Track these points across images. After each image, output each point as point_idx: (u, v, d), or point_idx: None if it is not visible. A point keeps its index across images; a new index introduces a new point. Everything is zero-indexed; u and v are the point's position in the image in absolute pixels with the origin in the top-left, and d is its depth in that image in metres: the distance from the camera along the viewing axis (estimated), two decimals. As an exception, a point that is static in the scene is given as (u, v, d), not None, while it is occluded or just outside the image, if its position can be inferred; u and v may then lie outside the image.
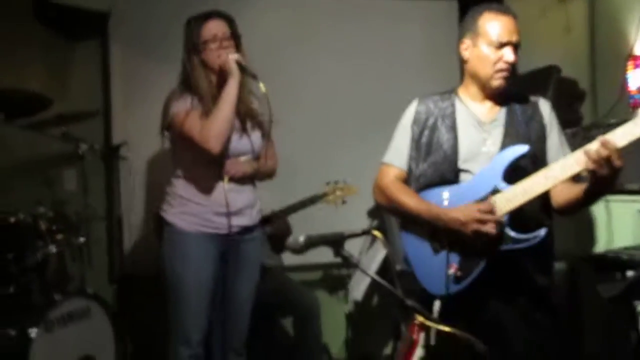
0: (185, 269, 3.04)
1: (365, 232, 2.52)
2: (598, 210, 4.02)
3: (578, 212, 2.57)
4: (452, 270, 2.49)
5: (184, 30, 3.22)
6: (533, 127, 2.56)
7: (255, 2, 4.74)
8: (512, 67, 2.51)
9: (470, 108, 2.62)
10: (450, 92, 2.71)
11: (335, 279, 4.63)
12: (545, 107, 2.63)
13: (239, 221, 3.12)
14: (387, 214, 4.17)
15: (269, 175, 3.37)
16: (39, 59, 4.44)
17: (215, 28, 3.12)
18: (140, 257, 4.39)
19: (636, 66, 4.72)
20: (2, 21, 4.31)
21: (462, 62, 2.66)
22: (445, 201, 2.54)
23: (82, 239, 3.89)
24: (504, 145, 2.51)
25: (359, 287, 4.12)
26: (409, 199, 2.62)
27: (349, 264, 2.22)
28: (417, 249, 2.64)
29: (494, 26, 2.51)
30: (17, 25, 4.32)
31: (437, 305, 2.43)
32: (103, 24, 4.42)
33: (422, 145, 2.64)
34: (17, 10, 4.28)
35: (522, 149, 2.44)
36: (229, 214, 3.06)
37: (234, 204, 3.09)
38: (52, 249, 3.70)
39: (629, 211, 3.96)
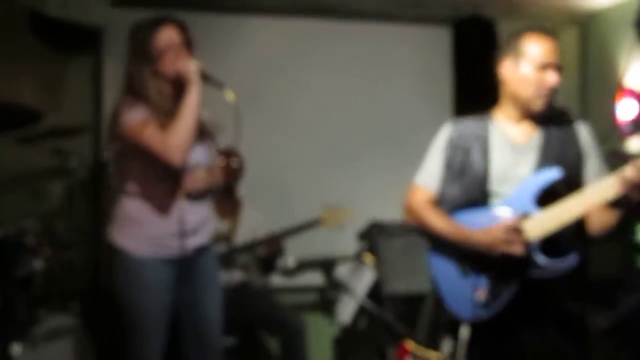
0: (142, 299, 2.83)
1: (356, 257, 2.52)
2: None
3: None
4: (480, 295, 2.45)
5: (130, 36, 2.86)
6: (570, 151, 2.49)
7: (248, 22, 4.77)
8: (554, 90, 2.46)
9: (505, 130, 2.58)
10: (486, 114, 2.67)
11: (322, 301, 4.59)
12: (584, 130, 2.55)
13: (194, 241, 2.89)
14: (380, 237, 4.18)
15: (217, 188, 3.11)
16: (32, 71, 4.44)
17: (170, 36, 2.82)
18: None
19: (626, 97, 4.77)
20: (-3, 33, 4.31)
21: (501, 83, 2.61)
22: (474, 224, 2.48)
23: (68, 255, 3.85)
24: (538, 168, 2.46)
25: (346, 310, 4.09)
26: (437, 220, 2.58)
27: (338, 287, 2.21)
28: (445, 271, 2.60)
29: (536, 47, 2.47)
30: (12, 37, 4.32)
31: (463, 330, 2.39)
32: (98, 39, 4.43)
33: (454, 168, 2.60)
34: (13, 22, 4.28)
35: (554, 173, 2.40)
36: (184, 234, 2.82)
37: (190, 223, 2.85)
38: (38, 263, 3.65)
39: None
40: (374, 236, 4.25)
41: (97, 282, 4.47)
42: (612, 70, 4.99)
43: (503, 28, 5.12)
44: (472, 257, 2.48)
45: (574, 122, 2.56)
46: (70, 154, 3.94)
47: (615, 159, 2.59)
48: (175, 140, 2.68)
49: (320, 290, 4.72)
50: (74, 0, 3.96)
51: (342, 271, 3.92)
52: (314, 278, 4.76)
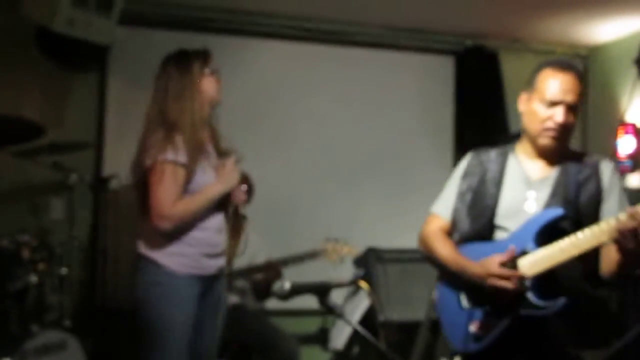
0: (176, 314, 2.84)
1: (352, 283, 2.52)
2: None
3: (624, 279, 2.51)
4: (473, 328, 2.44)
5: (178, 64, 2.96)
6: (587, 189, 2.45)
7: (252, 44, 4.80)
8: (565, 128, 2.42)
9: (523, 165, 2.55)
10: (509, 146, 2.64)
11: (316, 326, 4.57)
12: (607, 169, 2.50)
13: (220, 262, 2.99)
14: (377, 264, 4.17)
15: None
16: (36, 86, 4.46)
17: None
18: (122, 292, 4.34)
19: (627, 132, 4.79)
20: (3, 48, 4.34)
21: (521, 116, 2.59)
22: (476, 256, 2.47)
23: (64, 270, 3.84)
24: (548, 205, 2.43)
25: (340, 335, 4.08)
26: (443, 249, 2.58)
27: (333, 313, 2.21)
28: (447, 301, 2.59)
29: (550, 83, 2.44)
30: (18, 52, 4.35)
31: None
32: (103, 56, 4.46)
33: (468, 199, 2.59)
34: (19, 37, 4.31)
35: (556, 212, 2.38)
36: (217, 255, 2.94)
37: (221, 245, 2.98)
38: (33, 278, 3.64)
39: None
40: (370, 262, 4.24)
41: (92, 298, 4.45)
42: (613, 105, 5.02)
43: (506, 60, 5.16)
44: (471, 289, 2.47)
45: (597, 161, 2.51)
46: (71, 170, 3.94)
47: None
48: (177, 214, 2.76)
49: (314, 315, 4.72)
50: (81, 17, 3.98)
51: (337, 297, 3.91)
52: (309, 303, 4.77)
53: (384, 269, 4.25)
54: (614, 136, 4.86)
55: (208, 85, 2.89)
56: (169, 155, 2.79)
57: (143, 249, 2.89)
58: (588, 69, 5.39)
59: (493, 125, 4.99)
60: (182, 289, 2.84)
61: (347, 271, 4.35)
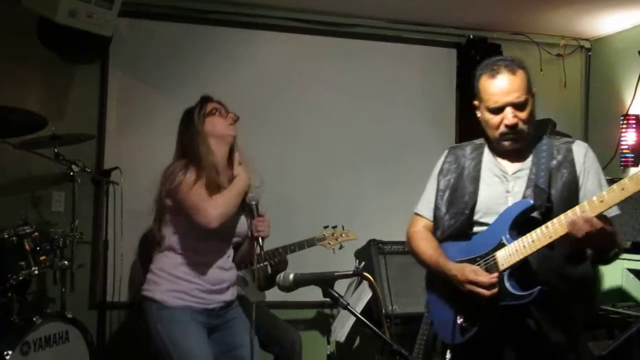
0: (187, 338, 2.91)
1: (356, 274, 2.51)
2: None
3: (606, 263, 2.49)
4: (460, 321, 2.47)
5: (183, 119, 3.09)
6: (561, 175, 2.45)
7: (256, 36, 4.78)
8: (520, 126, 2.42)
9: (497, 159, 2.56)
10: (483, 141, 2.65)
11: (318, 319, 4.59)
12: (579, 152, 2.49)
13: (226, 296, 3.06)
14: (378, 256, 4.17)
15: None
16: (38, 78, 4.45)
17: (214, 105, 3.10)
18: (123, 284, 4.34)
19: (629, 125, 4.77)
20: (5, 39, 4.33)
21: None
22: (457, 254, 2.50)
23: (65, 262, 3.84)
24: (525, 197, 2.44)
25: (342, 328, 4.08)
26: (425, 249, 2.61)
27: (336, 304, 2.20)
28: (436, 297, 2.63)
29: (488, 91, 2.45)
30: (19, 44, 4.33)
31: (448, 354, 2.42)
32: (104, 48, 4.44)
33: (446, 195, 2.61)
34: (21, 29, 4.29)
35: (525, 204, 2.40)
36: (220, 291, 3.01)
37: (227, 281, 3.05)
38: (35, 270, 3.64)
39: (617, 269, 3.96)
40: (371, 254, 4.24)
41: (93, 289, 4.45)
42: (616, 98, 5.00)
43: (509, 52, 5.14)
44: (455, 286, 2.47)
45: (570, 145, 2.51)
46: (73, 162, 3.93)
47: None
48: (220, 206, 2.87)
49: (316, 307, 4.72)
50: (83, 8, 3.96)
51: (339, 288, 3.91)
52: (311, 295, 4.77)
53: (385, 261, 4.25)
54: (617, 128, 4.85)
55: (209, 125, 3.02)
56: (191, 174, 2.90)
57: (143, 291, 3.00)
58: (591, 60, 5.37)
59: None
60: (181, 317, 2.91)
61: (349, 264, 4.36)
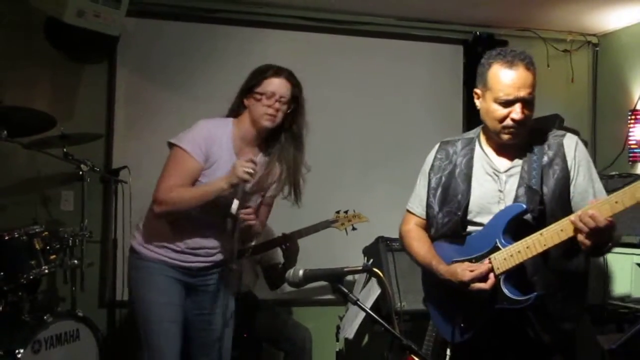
0: (149, 292, 2.96)
1: (365, 269, 2.51)
2: (595, 261, 4.01)
3: (600, 255, 2.50)
4: (459, 321, 2.47)
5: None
6: (553, 171, 2.41)
7: (264, 34, 4.79)
8: (523, 122, 2.37)
9: (489, 155, 2.52)
10: (473, 135, 2.63)
11: (327, 316, 4.58)
12: (570, 146, 2.46)
13: (205, 263, 3.03)
14: (387, 252, 4.18)
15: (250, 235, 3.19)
16: (46, 78, 4.47)
17: (278, 86, 3.13)
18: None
19: (637, 120, 4.76)
20: (13, 39, 4.35)
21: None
22: (452, 255, 2.49)
23: (75, 261, 3.86)
24: (517, 197, 2.40)
25: (351, 324, 4.08)
26: (418, 250, 2.60)
27: (346, 299, 2.20)
28: (435, 295, 2.62)
29: (501, 82, 2.37)
30: (27, 44, 4.35)
31: (448, 352, 2.44)
32: (111, 48, 4.45)
33: (439, 193, 2.58)
34: (29, 29, 4.31)
35: (517, 208, 2.37)
36: (199, 255, 3.00)
37: (206, 249, 3.02)
38: (45, 269, 3.66)
39: (627, 264, 3.95)
40: (380, 251, 4.24)
41: (103, 288, 4.47)
42: (623, 93, 4.99)
43: (516, 47, 5.13)
44: (451, 286, 2.46)
45: (561, 139, 2.48)
46: (82, 162, 3.95)
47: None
48: (172, 198, 2.84)
49: (325, 304, 4.73)
50: (91, 8, 3.98)
51: (349, 285, 3.92)
52: (320, 292, 4.78)
53: (393, 258, 4.25)
54: (624, 123, 4.84)
55: (251, 102, 3.08)
56: (185, 144, 2.88)
57: (131, 240, 3.06)
58: (599, 56, 5.36)
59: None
60: (155, 273, 2.95)
61: (357, 262, 4.36)
